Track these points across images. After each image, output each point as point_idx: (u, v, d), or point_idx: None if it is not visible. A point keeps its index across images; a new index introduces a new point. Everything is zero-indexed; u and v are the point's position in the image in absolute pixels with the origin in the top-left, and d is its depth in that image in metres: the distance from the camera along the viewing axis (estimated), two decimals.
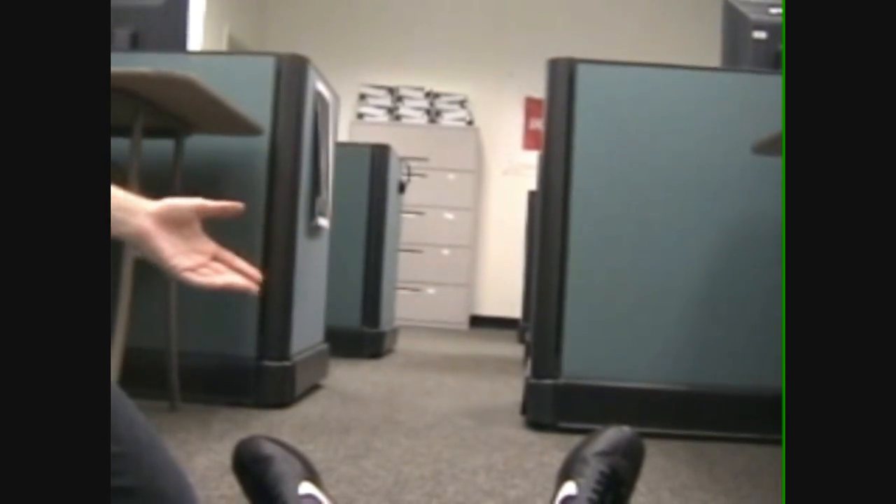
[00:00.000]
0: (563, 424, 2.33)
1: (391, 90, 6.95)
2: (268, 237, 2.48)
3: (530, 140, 7.07)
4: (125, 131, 1.95)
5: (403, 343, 4.75)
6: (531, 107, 7.06)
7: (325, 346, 3.00)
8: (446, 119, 6.91)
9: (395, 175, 4.30)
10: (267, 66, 2.53)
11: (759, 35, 2.59)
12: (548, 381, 2.38)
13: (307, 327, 2.74)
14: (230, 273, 0.97)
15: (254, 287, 0.99)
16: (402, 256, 5.56)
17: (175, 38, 2.56)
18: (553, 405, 2.36)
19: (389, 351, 4.25)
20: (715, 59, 2.82)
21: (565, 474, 1.31)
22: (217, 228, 1.01)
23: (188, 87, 1.91)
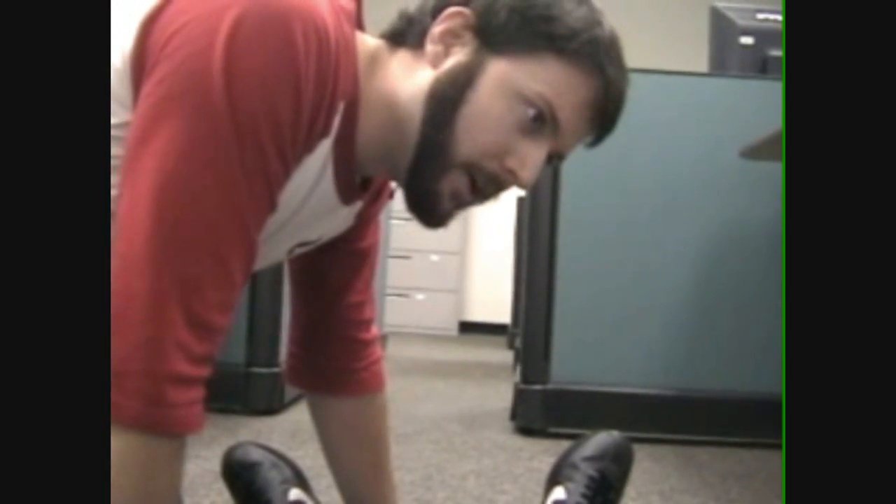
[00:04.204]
0: (553, 429, 2.33)
1: None
2: None
3: None
4: None
5: (392, 349, 4.74)
6: None
7: None
8: None
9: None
10: None
11: (747, 40, 2.60)
12: (537, 387, 2.38)
13: None
14: None
15: None
16: (391, 262, 5.55)
17: None
18: (542, 410, 2.36)
19: None
20: (702, 65, 2.83)
21: (554, 479, 1.32)
22: None
23: None
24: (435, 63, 0.86)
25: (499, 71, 0.84)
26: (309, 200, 0.89)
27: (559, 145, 0.89)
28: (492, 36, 0.84)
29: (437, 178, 0.86)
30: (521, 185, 0.87)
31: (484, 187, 0.87)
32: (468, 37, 0.85)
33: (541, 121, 0.85)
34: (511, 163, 0.85)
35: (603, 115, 0.88)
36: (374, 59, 0.88)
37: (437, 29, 0.86)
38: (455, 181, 0.86)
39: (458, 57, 0.85)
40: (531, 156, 0.86)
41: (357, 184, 0.94)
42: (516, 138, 0.85)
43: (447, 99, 0.84)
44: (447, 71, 0.85)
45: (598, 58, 0.85)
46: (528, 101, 0.84)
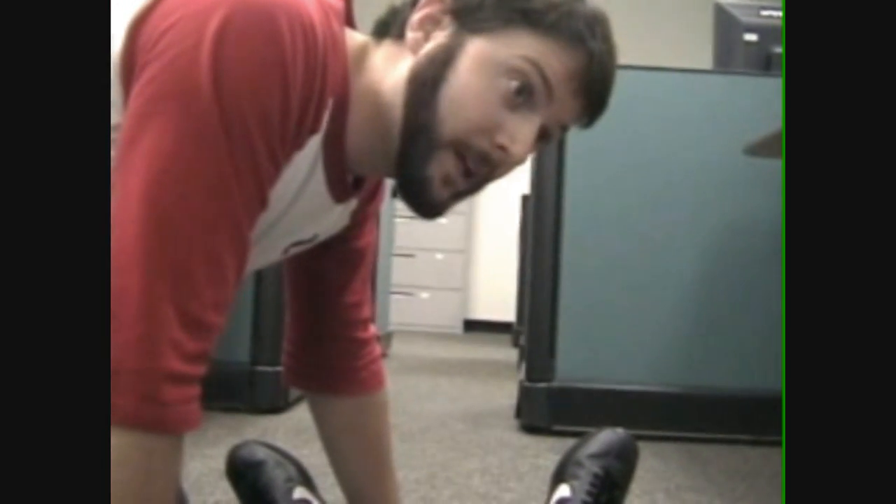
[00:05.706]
0: (557, 427, 2.33)
1: None
2: None
3: None
4: None
5: (397, 347, 4.75)
6: None
7: None
8: None
9: (388, 179, 4.29)
10: None
11: (750, 37, 2.60)
12: (542, 384, 2.38)
13: None
14: None
15: None
16: (396, 261, 5.56)
17: None
18: (547, 408, 2.36)
19: (383, 355, 4.22)
20: (706, 62, 2.83)
21: (559, 477, 1.32)
22: None
23: None
24: (415, 49, 0.86)
25: (477, 48, 0.84)
26: (300, 197, 0.89)
27: (550, 116, 0.87)
28: (469, 16, 0.85)
29: (425, 162, 0.85)
30: (513, 161, 0.85)
31: (475, 168, 0.86)
32: (447, 21, 0.86)
33: (528, 91, 0.84)
34: (501, 138, 0.84)
35: (589, 89, 0.86)
36: (362, 55, 0.89)
37: (416, 16, 0.87)
38: (444, 164, 0.85)
39: (437, 40, 0.86)
40: (521, 130, 0.85)
41: (349, 182, 0.94)
42: (503, 113, 0.84)
43: (427, 78, 0.84)
44: (426, 53, 0.85)
45: (577, 30, 0.84)
46: (511, 72, 0.83)
